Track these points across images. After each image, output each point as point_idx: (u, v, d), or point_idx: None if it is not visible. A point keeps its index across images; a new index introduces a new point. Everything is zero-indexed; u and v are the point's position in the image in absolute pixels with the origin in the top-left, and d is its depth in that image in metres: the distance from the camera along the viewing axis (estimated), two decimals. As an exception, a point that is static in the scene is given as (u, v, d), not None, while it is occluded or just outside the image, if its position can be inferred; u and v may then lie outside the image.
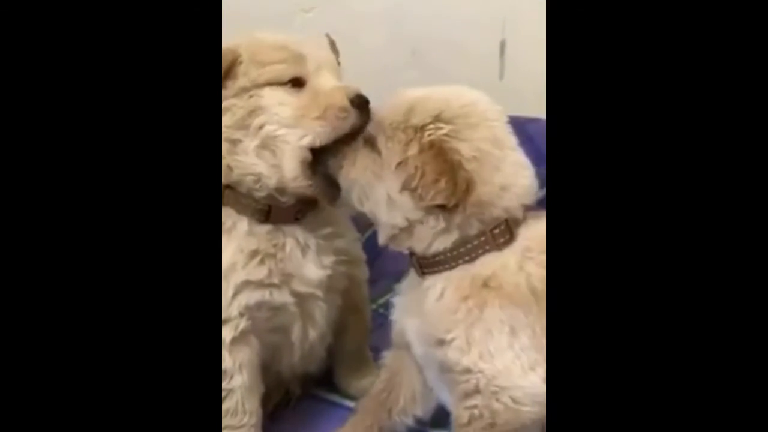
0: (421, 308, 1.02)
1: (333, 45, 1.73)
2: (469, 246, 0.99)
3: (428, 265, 1.02)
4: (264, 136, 1.04)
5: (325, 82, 1.06)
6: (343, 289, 1.19)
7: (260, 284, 1.06)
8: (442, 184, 0.95)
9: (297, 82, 1.06)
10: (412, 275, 1.07)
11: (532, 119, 1.57)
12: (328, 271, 1.12)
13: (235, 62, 1.03)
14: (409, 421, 1.13)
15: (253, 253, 1.05)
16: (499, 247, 0.99)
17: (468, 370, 0.96)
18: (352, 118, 1.03)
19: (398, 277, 1.14)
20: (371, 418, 1.12)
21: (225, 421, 1.06)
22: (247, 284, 1.05)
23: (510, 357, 0.95)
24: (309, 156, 1.04)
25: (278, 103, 1.04)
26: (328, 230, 1.13)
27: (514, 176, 1.01)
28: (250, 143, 1.04)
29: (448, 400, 1.06)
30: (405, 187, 0.97)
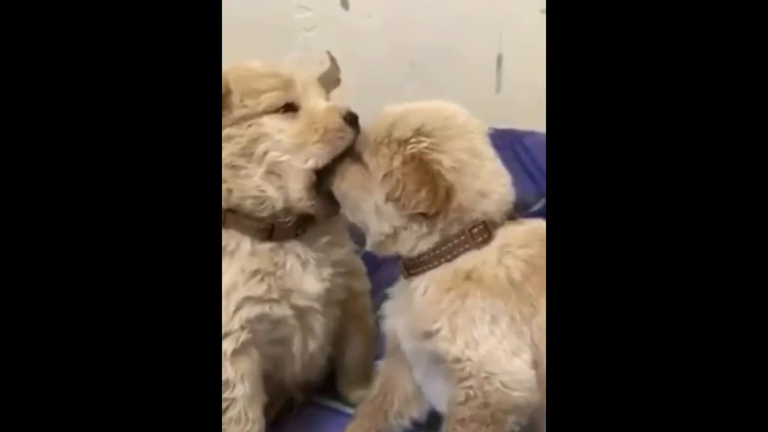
0: (408, 307, 1.07)
1: (334, 62, 1.78)
2: (449, 245, 1.05)
3: (413, 266, 1.07)
4: (269, 162, 1.08)
5: (316, 104, 1.11)
6: (342, 300, 1.23)
7: (260, 300, 1.10)
8: (423, 194, 1.01)
9: (290, 107, 1.10)
10: (401, 279, 1.12)
11: (528, 132, 1.60)
12: (327, 284, 1.15)
13: (226, 93, 1.07)
14: (406, 423, 1.18)
15: (255, 273, 1.09)
16: (478, 245, 1.04)
17: (457, 359, 1.01)
18: (348, 136, 1.09)
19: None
20: (369, 422, 1.16)
21: (229, 429, 1.09)
22: (247, 300, 1.09)
23: (493, 343, 0.99)
24: (314, 177, 1.09)
25: (278, 130, 1.08)
26: (326, 240, 1.16)
27: (492, 183, 1.07)
28: (256, 169, 1.08)
29: (436, 399, 1.11)
30: (389, 198, 1.03)
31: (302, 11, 1.80)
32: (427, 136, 1.04)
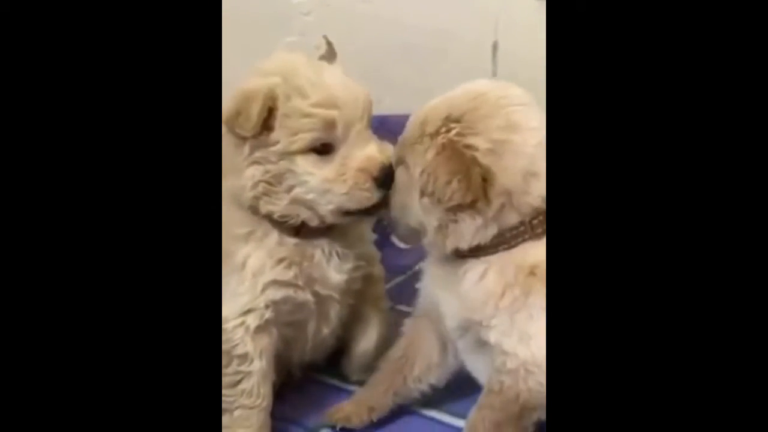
0: (457, 287, 1.04)
1: (330, 46, 1.79)
2: (507, 235, 1.00)
3: (468, 250, 1.03)
4: (293, 198, 1.09)
5: (352, 152, 1.08)
6: (357, 290, 1.24)
7: (287, 284, 1.12)
8: (455, 183, 0.96)
9: (327, 147, 1.08)
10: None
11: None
12: (346, 276, 1.18)
13: (273, 108, 1.05)
14: (424, 387, 1.17)
15: (281, 260, 1.12)
16: (539, 236, 1.00)
17: (505, 352, 1.00)
18: (375, 197, 1.08)
19: (401, 270, 1.19)
20: (387, 383, 1.17)
21: (240, 401, 1.12)
22: (274, 282, 1.11)
23: (544, 340, 0.95)
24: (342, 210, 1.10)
25: (306, 172, 1.08)
26: (351, 237, 1.19)
27: (541, 161, 0.98)
28: (284, 196, 1.09)
29: (478, 373, 1.11)
30: (424, 193, 1.00)
31: (299, -5, 1.81)
32: (456, 121, 0.99)
